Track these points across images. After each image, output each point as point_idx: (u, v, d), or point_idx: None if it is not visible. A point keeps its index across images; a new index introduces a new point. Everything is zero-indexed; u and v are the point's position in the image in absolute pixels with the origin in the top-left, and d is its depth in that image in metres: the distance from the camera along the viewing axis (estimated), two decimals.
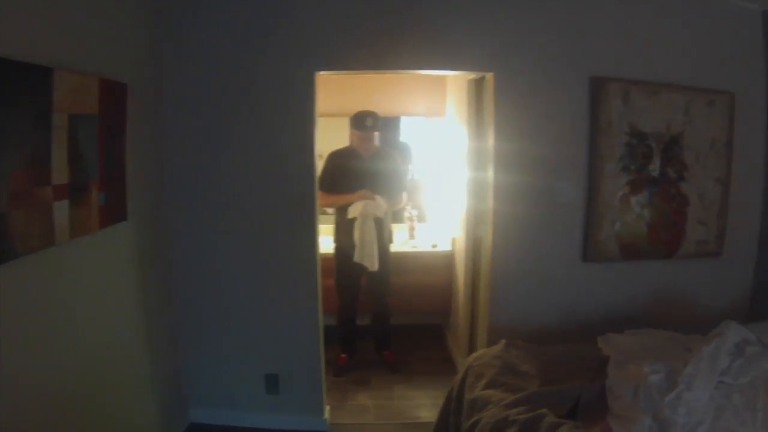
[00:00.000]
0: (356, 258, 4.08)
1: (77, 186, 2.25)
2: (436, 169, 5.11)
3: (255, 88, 3.14)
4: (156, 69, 3.05)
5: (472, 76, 3.69)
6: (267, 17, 3.07)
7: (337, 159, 4.20)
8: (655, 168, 3.33)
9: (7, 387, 1.87)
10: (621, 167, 3.28)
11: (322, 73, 3.20)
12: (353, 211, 4.05)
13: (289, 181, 3.25)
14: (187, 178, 3.24)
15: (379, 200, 4.04)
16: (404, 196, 4.39)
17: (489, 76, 3.23)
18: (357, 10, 3.07)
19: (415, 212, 5.06)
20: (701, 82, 3.32)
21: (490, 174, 3.30)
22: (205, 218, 3.29)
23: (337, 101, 4.74)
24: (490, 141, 3.27)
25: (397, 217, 4.91)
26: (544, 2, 3.13)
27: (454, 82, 4.51)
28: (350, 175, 4.11)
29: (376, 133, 4.15)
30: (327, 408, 3.61)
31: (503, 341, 3.02)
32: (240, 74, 3.13)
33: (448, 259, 4.70)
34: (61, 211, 2.14)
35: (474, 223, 3.88)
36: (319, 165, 3.90)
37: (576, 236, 3.34)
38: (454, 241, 4.66)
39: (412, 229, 5.03)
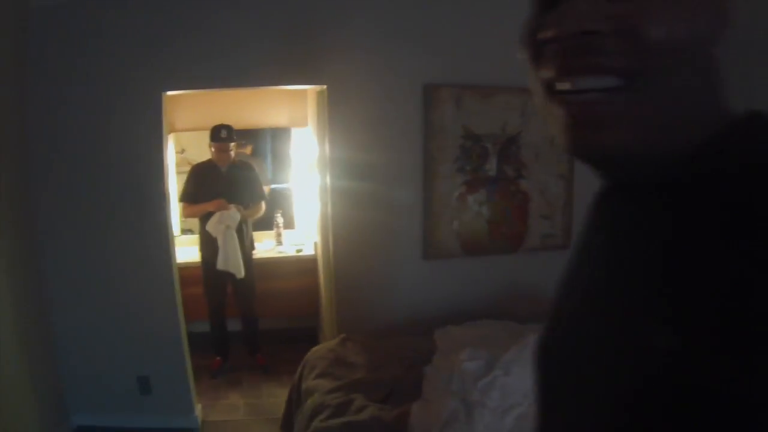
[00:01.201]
0: (219, 266, 4.46)
1: None
2: (301, 177, 5.55)
3: (110, 107, 3.44)
4: (24, 86, 3.34)
5: (319, 88, 4.00)
6: (119, 42, 3.39)
7: (198, 171, 4.62)
8: (491, 167, 3.70)
9: None
10: (456, 168, 3.64)
11: (169, 93, 3.58)
12: (210, 226, 4.44)
13: (142, 197, 3.57)
14: (54, 193, 3.53)
15: (233, 210, 4.45)
16: (263, 204, 4.80)
17: (324, 88, 3.61)
18: (197, 32, 3.40)
19: (281, 219, 5.47)
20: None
21: (327, 180, 3.71)
22: (72, 231, 3.57)
23: (207, 115, 5.10)
24: (327, 149, 3.67)
25: (264, 225, 5.34)
26: (380, 12, 3.49)
27: (313, 93, 4.97)
28: (209, 185, 4.51)
29: (232, 144, 4.56)
30: (198, 406, 3.97)
31: (342, 336, 3.47)
32: (96, 94, 3.43)
33: (313, 263, 5.14)
34: None
35: (326, 227, 4.32)
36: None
37: (416, 236, 3.75)
38: (316, 245, 5.11)
39: (279, 235, 5.46)
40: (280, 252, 5.33)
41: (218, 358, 4.77)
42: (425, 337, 3.30)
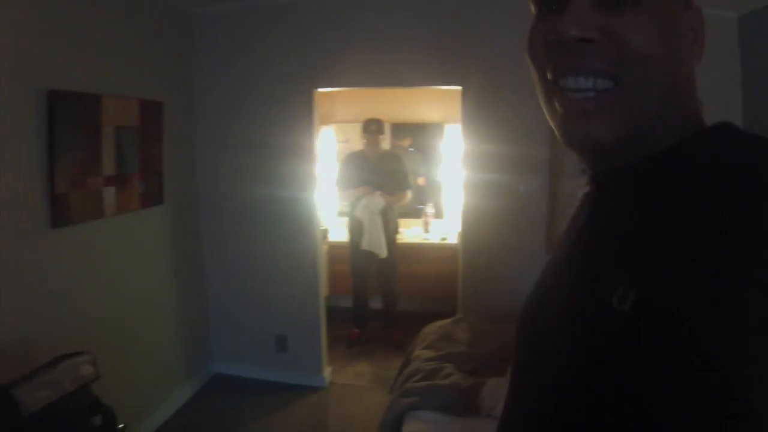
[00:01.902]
0: (364, 246, 4.99)
1: (122, 177, 3.26)
2: (452, 171, 5.91)
3: (263, 103, 4.10)
4: (189, 90, 4.10)
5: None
6: (273, 44, 4.01)
7: (349, 160, 5.17)
8: None
9: (65, 316, 2.89)
10: (581, 168, 3.82)
11: (320, 90, 4.11)
12: (357, 210, 4.97)
13: (295, 183, 4.17)
14: (215, 173, 4.26)
15: (377, 197, 4.93)
16: (408, 193, 5.23)
17: (459, 89, 3.97)
18: (346, 36, 3.93)
19: (431, 209, 5.88)
20: None
21: (462, 174, 4.05)
22: (228, 204, 4.30)
23: (367, 109, 5.65)
24: (463, 144, 4.01)
25: (414, 213, 5.82)
26: (508, 20, 3.65)
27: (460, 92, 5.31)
28: (359, 173, 5.04)
29: (381, 137, 5.06)
30: (328, 369, 4.51)
31: (458, 316, 3.82)
32: (251, 92, 4.11)
33: (455, 251, 5.48)
34: (108, 194, 3.15)
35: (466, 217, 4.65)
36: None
37: (540, 231, 3.94)
38: (459, 234, 5.44)
39: (427, 223, 5.87)
40: (426, 239, 5.75)
41: (356, 330, 5.30)
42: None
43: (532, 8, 0.74)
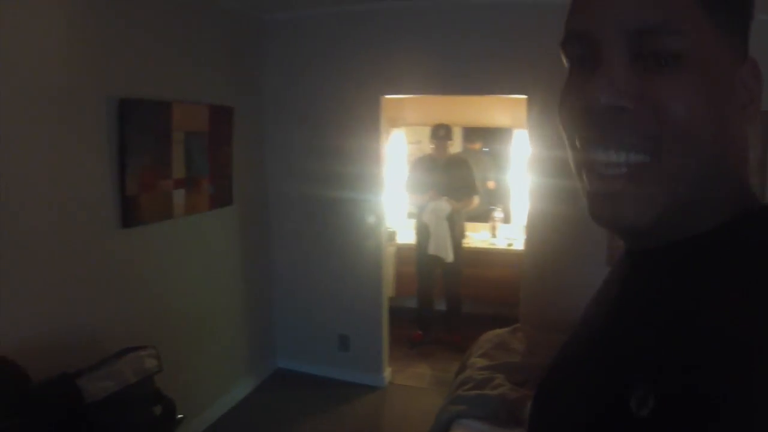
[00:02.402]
0: (431, 250, 5.03)
1: (191, 179, 3.42)
2: (519, 176, 5.87)
3: (332, 108, 4.21)
4: (258, 95, 4.25)
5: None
6: (342, 52, 4.12)
7: (418, 164, 5.23)
8: None
9: (133, 311, 3.07)
10: None
11: (387, 96, 4.18)
12: (424, 215, 5.02)
13: (362, 186, 4.25)
14: (285, 177, 4.41)
15: (444, 202, 4.95)
16: (475, 198, 5.23)
17: (524, 99, 3.96)
18: (413, 44, 3.98)
19: (499, 214, 5.86)
20: None
21: (528, 180, 4.04)
22: (297, 207, 4.44)
23: (438, 112, 5.69)
24: (529, 150, 4.00)
25: (482, 217, 5.83)
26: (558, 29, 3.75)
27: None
28: (426, 177, 5.08)
29: (449, 142, 5.08)
30: (388, 369, 4.59)
31: (515, 325, 3.81)
32: (319, 97, 4.22)
33: (520, 257, 5.43)
34: (178, 196, 3.32)
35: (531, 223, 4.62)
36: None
37: (600, 241, 3.84)
38: (525, 241, 5.41)
39: (494, 228, 5.86)
40: (492, 244, 5.74)
41: (419, 332, 5.35)
42: None
43: (565, 61, 0.67)
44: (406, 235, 5.88)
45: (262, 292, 4.48)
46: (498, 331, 3.81)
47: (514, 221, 6.05)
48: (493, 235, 5.87)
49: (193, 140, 3.40)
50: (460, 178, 5.12)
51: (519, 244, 5.62)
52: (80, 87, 2.68)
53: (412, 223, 6.02)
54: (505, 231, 5.94)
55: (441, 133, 5.03)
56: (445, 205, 4.97)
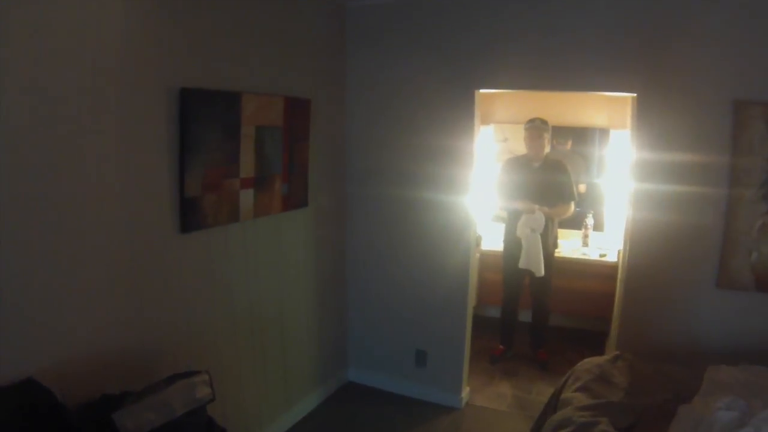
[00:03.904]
0: (521, 265, 4.50)
1: (262, 179, 3.03)
2: (615, 180, 5.27)
3: (421, 103, 3.74)
4: (338, 87, 3.82)
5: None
6: (432, 42, 3.64)
7: (510, 166, 4.67)
8: None
9: (193, 323, 2.73)
10: (762, 194, 3.21)
11: (482, 91, 3.68)
12: (518, 229, 4.48)
13: (450, 188, 3.78)
14: (365, 177, 3.98)
15: (538, 214, 4.40)
16: (572, 205, 4.66)
17: (634, 97, 3.44)
18: (512, 34, 3.49)
19: (591, 221, 5.28)
20: None
21: (631, 184, 3.50)
22: (377, 209, 4.00)
23: (529, 110, 5.17)
24: (635, 152, 3.47)
25: (573, 224, 5.24)
26: (688, 27, 3.21)
27: (630, 97, 4.69)
28: (520, 181, 4.54)
29: (545, 134, 4.50)
30: (466, 389, 4.12)
31: (615, 353, 3.28)
32: (406, 91, 3.76)
33: (614, 270, 4.87)
34: (246, 197, 2.94)
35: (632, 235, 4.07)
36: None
37: (711, 261, 3.36)
38: (619, 253, 4.84)
39: (586, 236, 5.28)
40: (584, 254, 5.16)
41: (501, 346, 4.85)
42: (695, 369, 3.06)
43: None
44: (490, 240, 5.38)
45: (335, 300, 4.08)
46: (597, 359, 3.28)
47: (607, 229, 5.45)
48: (585, 244, 5.29)
49: (265, 135, 3.01)
50: (558, 184, 4.56)
51: (612, 255, 5.04)
52: (137, 74, 2.31)
53: (497, 228, 5.55)
54: (597, 239, 5.35)
55: (538, 125, 4.49)
56: (540, 218, 4.43)
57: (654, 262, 3.47)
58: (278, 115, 3.10)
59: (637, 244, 3.51)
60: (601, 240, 5.36)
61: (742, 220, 3.26)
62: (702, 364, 3.12)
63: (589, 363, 3.23)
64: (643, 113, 3.36)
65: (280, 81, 3.16)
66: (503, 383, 4.44)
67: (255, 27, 2.95)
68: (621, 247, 4.61)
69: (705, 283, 3.41)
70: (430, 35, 3.64)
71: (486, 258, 5.22)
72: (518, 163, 4.65)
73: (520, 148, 5.03)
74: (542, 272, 4.46)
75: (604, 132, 5.40)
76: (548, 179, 4.53)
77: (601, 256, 5.10)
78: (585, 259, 5.10)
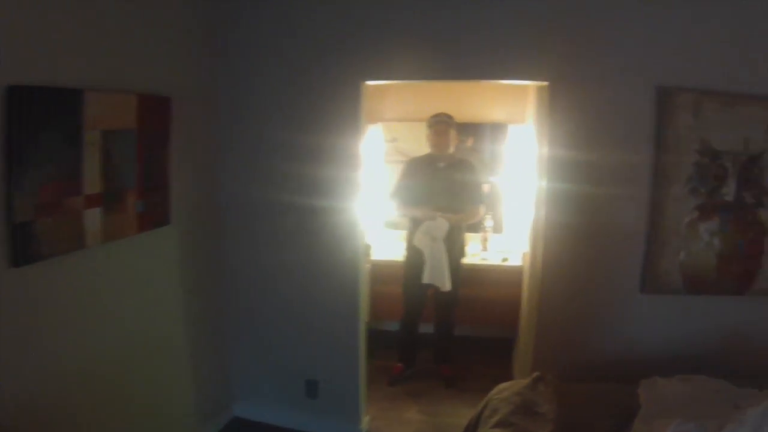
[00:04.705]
0: (426, 279, 4.21)
1: (112, 195, 2.56)
2: (515, 178, 5.12)
3: (302, 97, 3.37)
4: (204, 82, 3.36)
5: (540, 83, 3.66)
6: (315, 29, 3.28)
7: (412, 167, 4.37)
8: (729, 192, 3.12)
9: (38, 372, 2.25)
10: (689, 189, 3.11)
11: (369, 83, 3.36)
12: (416, 239, 4.19)
13: (335, 190, 3.44)
14: (237, 185, 3.55)
15: (441, 221, 4.13)
16: (480, 209, 4.43)
17: (545, 85, 3.22)
18: (406, 18, 3.19)
19: (490, 223, 5.10)
20: None
21: (543, 183, 3.30)
22: (253, 224, 3.59)
23: (419, 106, 4.93)
24: (545, 149, 3.27)
25: (471, 227, 5.01)
26: (607, 11, 3.05)
27: (534, 89, 4.53)
28: (423, 184, 4.25)
29: (451, 131, 4.24)
30: (366, 418, 3.80)
31: (534, 375, 3.03)
32: (289, 85, 3.38)
33: (518, 274, 4.71)
34: (92, 218, 2.46)
35: (538, 238, 3.88)
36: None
37: (635, 264, 3.23)
38: (524, 255, 4.68)
39: (485, 240, 5.10)
40: (484, 259, 4.97)
41: (400, 364, 4.56)
42: (628, 386, 2.88)
43: None
44: (383, 249, 5.10)
45: (214, 329, 3.64)
46: (514, 385, 3.01)
47: (506, 231, 5.30)
48: (484, 248, 5.11)
49: (114, 142, 2.54)
50: (466, 185, 4.31)
51: (515, 258, 4.88)
52: None
53: (390, 235, 5.29)
54: (497, 242, 5.19)
55: (444, 119, 4.22)
56: (442, 224, 4.15)
57: (572, 269, 3.29)
58: (130, 117, 2.64)
59: (552, 251, 3.31)
60: (501, 243, 5.19)
61: (669, 218, 3.13)
62: (631, 376, 2.96)
63: (507, 390, 2.96)
64: (556, 104, 3.16)
65: (133, 75, 2.69)
66: (407, 406, 4.16)
67: (100, 10, 2.47)
68: (525, 249, 4.46)
69: (630, 288, 3.27)
70: (312, 20, 3.28)
71: (379, 269, 4.91)
72: (421, 163, 4.37)
73: (410, 148, 4.80)
74: (449, 286, 4.19)
75: (498, 127, 5.25)
76: (455, 180, 4.28)
77: (504, 260, 4.92)
78: (486, 265, 4.90)
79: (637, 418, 2.56)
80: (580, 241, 3.25)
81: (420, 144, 4.70)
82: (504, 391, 2.96)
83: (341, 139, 3.38)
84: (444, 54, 3.20)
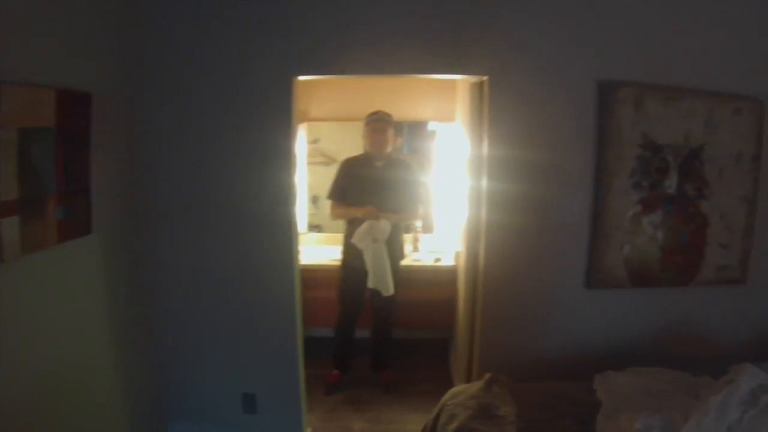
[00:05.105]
0: (370, 284, 4.09)
1: (30, 201, 2.30)
2: (443, 176, 5.08)
3: (231, 95, 3.16)
4: (128, 78, 3.10)
5: (474, 79, 3.62)
6: (243, 22, 3.10)
7: (349, 166, 4.26)
8: (671, 184, 3.18)
9: None
10: (632, 183, 3.14)
11: (301, 78, 3.21)
12: (356, 238, 4.06)
13: (267, 192, 3.26)
14: (164, 189, 3.29)
15: (383, 222, 4.04)
16: (420, 208, 4.38)
17: (484, 79, 3.18)
18: (339, 10, 3.06)
19: (420, 223, 5.04)
20: (726, 88, 3.17)
21: (482, 183, 3.26)
22: (181, 230, 3.34)
23: (345, 105, 4.82)
24: (484, 147, 3.23)
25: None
26: (545, 4, 3.03)
27: (463, 85, 4.48)
28: (361, 184, 4.15)
29: (390, 129, 4.16)
30: (308, 430, 3.64)
31: (486, 376, 2.97)
32: (212, 79, 3.16)
33: (452, 274, 4.67)
34: (9, 227, 2.20)
35: (474, 237, 3.83)
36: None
37: (580, 259, 3.24)
38: (457, 255, 4.64)
39: (416, 240, 5.04)
40: (417, 260, 4.89)
41: (336, 371, 4.42)
42: (583, 383, 2.88)
43: None
44: (309, 252, 4.94)
45: (144, 345, 3.37)
46: (468, 389, 2.94)
47: (437, 231, 5.25)
48: (416, 249, 5.03)
49: (32, 141, 2.29)
50: (404, 184, 4.23)
51: (448, 258, 4.83)
52: None
53: (315, 238, 5.16)
54: (428, 243, 5.13)
55: (383, 117, 4.15)
56: (385, 225, 4.05)
57: (515, 268, 3.27)
58: (48, 114, 2.39)
59: (493, 250, 3.28)
60: (432, 243, 5.14)
61: (613, 212, 3.15)
62: (583, 372, 2.96)
63: (462, 395, 2.88)
64: (496, 99, 3.12)
65: (50, 67, 2.43)
66: (349, 415, 4.04)
67: None
68: (458, 249, 4.43)
69: (576, 284, 3.28)
70: (240, 12, 3.09)
71: (307, 273, 4.72)
72: (358, 163, 4.26)
73: (334, 149, 4.74)
74: (392, 290, 4.09)
75: (425, 125, 5.20)
76: (393, 180, 4.19)
77: (436, 260, 4.86)
78: (421, 266, 4.82)
79: (600, 414, 2.53)
80: (523, 239, 3.23)
81: (344, 145, 4.63)
82: (458, 395, 2.89)
83: (273, 139, 3.21)
84: (382, 48, 3.09)
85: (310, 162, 5.08)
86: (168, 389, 3.55)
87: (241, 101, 3.17)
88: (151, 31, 3.14)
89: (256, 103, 3.17)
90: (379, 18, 3.05)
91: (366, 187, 4.13)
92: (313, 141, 5.15)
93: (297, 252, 3.42)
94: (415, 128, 5.21)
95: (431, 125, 5.18)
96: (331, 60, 3.13)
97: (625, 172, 3.12)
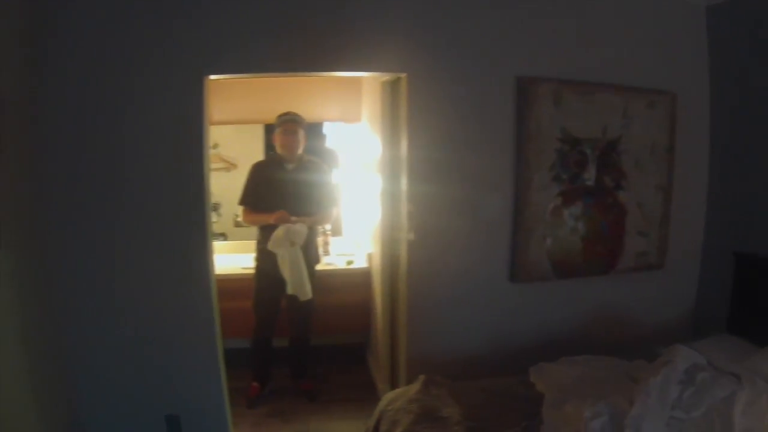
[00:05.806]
0: (290, 291, 4.03)
1: None
2: (350, 178, 5.09)
3: (138, 96, 3.01)
4: (23, 78, 2.88)
5: (386, 77, 3.62)
6: (151, 17, 2.96)
7: (260, 171, 4.17)
8: (590, 176, 3.33)
9: None
10: (552, 177, 3.27)
11: (213, 77, 3.13)
12: (272, 243, 3.98)
13: (177, 198, 3.14)
14: (68, 195, 3.06)
15: (300, 226, 3.99)
16: (335, 211, 4.36)
17: (403, 77, 3.20)
18: (251, 7, 3.01)
19: (328, 226, 5.02)
20: (640, 82, 3.37)
21: (403, 184, 3.28)
22: (90, 241, 3.11)
23: (246, 107, 4.73)
24: (403, 147, 3.25)
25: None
26: (463, 2, 3.11)
27: (369, 84, 4.51)
28: (273, 188, 4.08)
29: (301, 131, 4.11)
30: None
31: (422, 378, 2.98)
32: (116, 79, 2.99)
33: (365, 276, 4.68)
34: None
35: (390, 238, 3.86)
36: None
37: (503, 254, 3.34)
38: (369, 257, 4.66)
39: (326, 244, 5.01)
40: (329, 264, 4.87)
41: (255, 383, 4.32)
42: (518, 377, 2.97)
43: None
44: (219, 261, 4.78)
45: (56, 371, 3.14)
46: (405, 392, 2.91)
47: (346, 233, 5.24)
48: (326, 252, 5.00)
49: None
50: (317, 187, 4.19)
51: (360, 260, 4.84)
52: None
53: (221, 245, 5.02)
54: (337, 246, 5.12)
55: (294, 118, 4.09)
56: (301, 229, 4.00)
57: (438, 267, 3.33)
58: None
59: (416, 251, 3.30)
60: (341, 245, 5.13)
61: (534, 205, 3.27)
62: (515, 365, 3.06)
63: (400, 399, 2.84)
64: (414, 97, 3.15)
65: None
66: (275, 428, 3.96)
67: None
68: (372, 250, 4.44)
69: (500, 279, 3.38)
70: (149, 7, 2.95)
71: (216, 283, 4.60)
72: (269, 166, 4.19)
73: (234, 154, 4.74)
74: (310, 295, 4.04)
75: (330, 126, 5.19)
76: (306, 182, 4.14)
77: (348, 263, 4.85)
78: (333, 270, 4.81)
79: (544, 407, 2.60)
80: (446, 238, 3.29)
81: (245, 149, 4.55)
82: (396, 400, 2.86)
83: (185, 140, 3.11)
84: (297, 44, 3.05)
85: (210, 168, 4.93)
86: (86, 416, 3.30)
87: (149, 103, 3.02)
88: (55, 28, 2.92)
89: (165, 104, 3.03)
90: (289, 14, 3.02)
91: (279, 191, 4.06)
92: (213, 146, 5.00)
93: (212, 259, 3.32)
94: (319, 128, 5.18)
95: (327, 126, 5.19)
96: (244, 57, 3.07)
97: (545, 167, 3.24)
